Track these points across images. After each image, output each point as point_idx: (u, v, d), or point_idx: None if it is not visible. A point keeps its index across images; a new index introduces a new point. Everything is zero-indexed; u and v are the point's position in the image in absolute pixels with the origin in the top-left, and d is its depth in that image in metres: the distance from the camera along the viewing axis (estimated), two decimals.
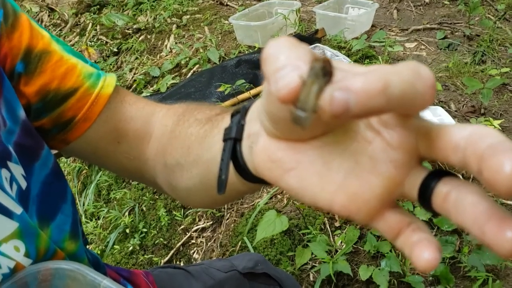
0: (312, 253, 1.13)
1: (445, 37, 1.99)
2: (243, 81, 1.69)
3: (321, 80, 0.24)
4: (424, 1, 2.35)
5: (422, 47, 1.97)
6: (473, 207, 0.23)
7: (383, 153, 0.28)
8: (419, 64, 0.25)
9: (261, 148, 0.34)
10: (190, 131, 0.48)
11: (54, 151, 0.53)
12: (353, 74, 0.24)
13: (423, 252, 0.26)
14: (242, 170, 0.39)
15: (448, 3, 2.32)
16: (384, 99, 0.23)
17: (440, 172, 0.27)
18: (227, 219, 1.37)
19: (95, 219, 1.77)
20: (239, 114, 0.40)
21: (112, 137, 0.53)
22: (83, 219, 1.74)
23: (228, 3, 2.69)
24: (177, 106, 0.55)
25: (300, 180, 0.32)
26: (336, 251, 1.14)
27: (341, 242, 1.16)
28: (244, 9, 2.33)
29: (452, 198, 0.25)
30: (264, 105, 0.31)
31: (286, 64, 0.26)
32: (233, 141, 0.39)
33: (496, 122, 1.34)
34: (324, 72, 0.25)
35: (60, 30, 3.28)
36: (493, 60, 1.80)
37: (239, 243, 1.28)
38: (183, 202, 0.56)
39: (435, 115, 1.43)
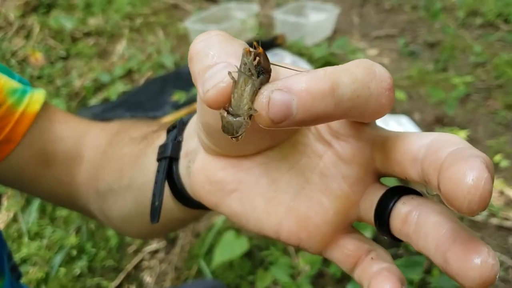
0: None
1: (406, 44, 1.97)
2: None
3: (255, 78, 0.21)
4: (385, 8, 2.33)
5: (384, 54, 1.93)
6: (435, 229, 0.20)
7: (335, 169, 0.26)
8: (373, 62, 0.22)
9: (199, 168, 0.29)
10: (123, 152, 0.43)
11: None
12: (295, 72, 0.21)
13: (383, 285, 0.23)
14: (180, 194, 0.34)
15: (408, 10, 2.30)
16: (333, 102, 0.19)
17: (399, 189, 0.24)
18: (182, 239, 1.28)
19: (40, 239, 1.63)
20: (176, 129, 0.35)
21: (40, 160, 0.47)
22: (25, 239, 1.60)
23: (184, 6, 2.59)
24: (112, 125, 0.50)
25: (243, 203, 0.28)
26: (300, 273, 1.07)
27: (305, 264, 1.08)
28: (200, 13, 2.24)
29: (413, 220, 0.22)
30: (198, 115, 0.27)
31: (216, 61, 0.22)
32: (168, 160, 0.34)
33: (462, 133, 1.31)
34: (259, 68, 0.21)
35: (5, 33, 3.09)
36: (455, 68, 1.78)
37: (195, 266, 1.19)
38: (119, 232, 0.52)
39: (399, 124, 1.38)
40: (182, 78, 1.76)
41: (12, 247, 1.46)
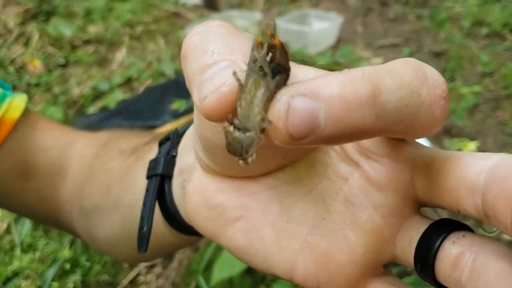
0: None
1: (412, 54, 1.93)
2: None
3: (270, 79, 0.16)
4: (389, 17, 2.30)
5: None
6: (501, 280, 0.16)
7: (364, 195, 0.21)
8: (420, 62, 0.17)
9: (195, 189, 0.24)
10: (111, 166, 0.39)
11: None
12: (322, 73, 0.17)
13: None
14: (173, 218, 0.30)
15: (413, 20, 2.27)
16: (373, 113, 0.15)
17: (446, 224, 0.19)
18: (180, 253, 1.24)
19: (32, 251, 1.59)
20: (169, 141, 0.31)
21: (20, 173, 0.43)
22: (18, 252, 1.55)
23: (185, 14, 2.57)
24: (100, 134, 0.45)
25: (249, 235, 0.23)
26: None
27: None
28: (201, 21, 2.21)
29: (466, 264, 0.17)
30: (195, 126, 0.22)
31: (216, 59, 0.18)
32: (159, 178, 0.29)
33: (472, 144, 1.26)
34: (274, 66, 0.16)
35: (5, 40, 3.07)
36: (463, 78, 1.74)
37: (194, 282, 1.14)
38: (106, 254, 0.45)
39: None
40: (182, 87, 1.73)
41: (4, 260, 1.42)
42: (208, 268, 1.14)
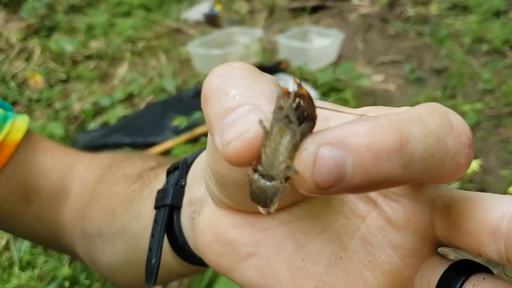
0: None
1: (413, 70, 1.93)
2: (202, 113, 1.56)
3: (295, 127, 0.16)
4: (390, 34, 2.31)
5: (390, 80, 1.90)
6: None
7: (382, 235, 0.20)
8: (446, 108, 0.17)
9: (206, 223, 0.24)
10: (115, 190, 0.38)
11: None
12: (349, 121, 0.16)
13: None
14: (181, 248, 0.29)
15: (414, 36, 2.28)
16: (401, 163, 0.14)
17: (465, 265, 0.19)
18: None
19: (31, 269, 1.57)
20: (178, 170, 0.30)
21: (21, 195, 0.42)
22: (16, 269, 1.54)
23: (187, 30, 2.58)
24: (103, 156, 0.45)
25: (262, 272, 0.23)
26: None
27: None
28: (203, 37, 2.22)
29: None
30: (209, 161, 0.21)
31: (238, 103, 0.17)
32: (168, 209, 0.29)
33: (475, 162, 1.26)
34: (300, 113, 0.16)
35: (7, 55, 3.08)
36: (464, 95, 1.74)
37: None
38: (108, 279, 0.45)
39: None
40: (183, 103, 1.73)
41: (2, 277, 1.40)
42: (209, 286, 1.13)
